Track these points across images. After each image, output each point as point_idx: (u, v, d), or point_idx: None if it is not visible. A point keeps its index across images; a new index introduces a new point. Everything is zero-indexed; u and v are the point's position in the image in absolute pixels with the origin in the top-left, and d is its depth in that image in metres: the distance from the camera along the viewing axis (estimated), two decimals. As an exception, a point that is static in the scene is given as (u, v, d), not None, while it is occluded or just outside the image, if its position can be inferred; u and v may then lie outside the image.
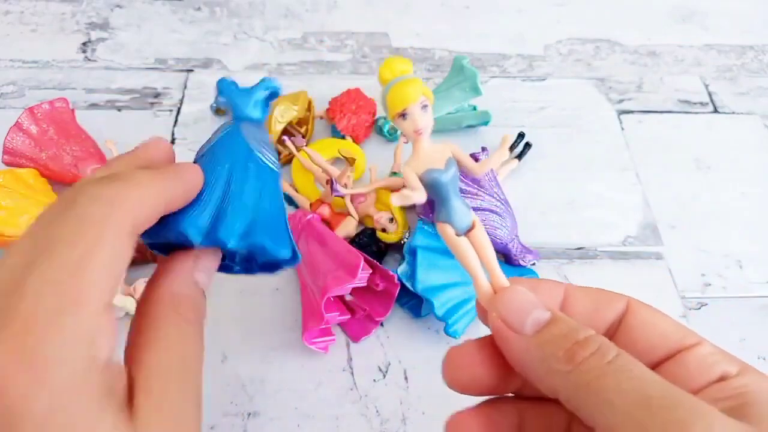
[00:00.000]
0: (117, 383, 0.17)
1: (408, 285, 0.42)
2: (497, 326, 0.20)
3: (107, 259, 0.17)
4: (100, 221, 0.17)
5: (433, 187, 0.22)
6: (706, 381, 0.19)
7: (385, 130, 0.57)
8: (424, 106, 0.22)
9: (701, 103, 0.64)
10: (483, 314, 0.22)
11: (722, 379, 0.19)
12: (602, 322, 0.21)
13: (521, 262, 0.48)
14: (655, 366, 0.20)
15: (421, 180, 0.22)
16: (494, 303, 0.20)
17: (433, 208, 0.47)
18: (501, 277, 0.21)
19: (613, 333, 0.21)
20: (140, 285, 0.44)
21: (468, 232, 0.22)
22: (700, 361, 0.20)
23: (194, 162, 0.24)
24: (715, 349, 0.20)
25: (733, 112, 0.63)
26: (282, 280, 0.48)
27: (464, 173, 0.47)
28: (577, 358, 0.18)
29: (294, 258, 0.25)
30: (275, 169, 0.25)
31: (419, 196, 0.21)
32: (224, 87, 0.27)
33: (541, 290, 0.21)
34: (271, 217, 0.24)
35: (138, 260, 0.48)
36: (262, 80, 0.27)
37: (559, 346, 0.18)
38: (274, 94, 0.27)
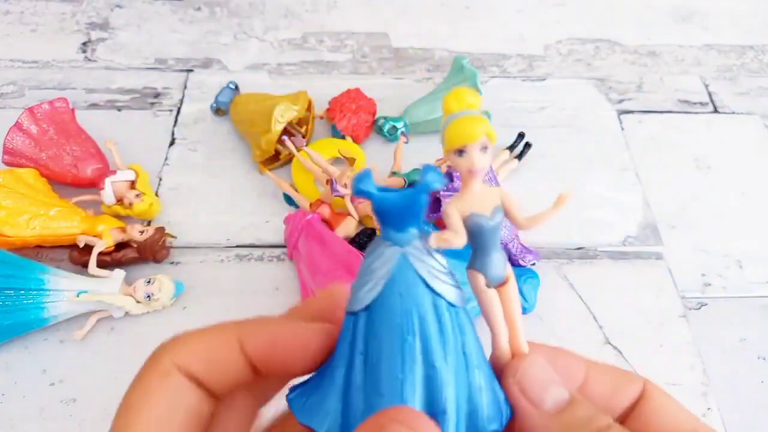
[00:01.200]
0: None
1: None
2: (514, 394, 0.19)
3: (151, 405, 0.17)
4: (145, 369, 0.18)
5: (474, 232, 0.20)
6: None
7: (385, 130, 0.57)
8: (484, 148, 0.20)
9: (701, 103, 0.64)
10: (496, 367, 0.21)
11: None
12: (619, 405, 0.21)
13: (521, 262, 0.48)
14: None
15: (464, 223, 0.20)
16: (512, 370, 0.19)
17: (434, 208, 0.47)
18: (522, 340, 0.20)
19: (626, 416, 0.21)
20: (140, 285, 0.44)
21: (500, 285, 0.21)
22: None
23: (347, 313, 0.19)
24: None
25: (733, 112, 0.63)
26: (282, 280, 0.48)
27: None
28: None
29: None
30: (458, 302, 0.19)
31: (459, 241, 0.19)
32: (380, 203, 0.19)
33: (561, 363, 0.21)
34: (485, 388, 0.18)
35: (138, 260, 0.48)
36: (425, 173, 0.18)
37: (582, 430, 0.18)
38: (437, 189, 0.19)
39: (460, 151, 0.20)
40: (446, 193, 0.46)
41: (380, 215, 0.19)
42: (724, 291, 0.49)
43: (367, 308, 0.18)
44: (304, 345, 0.19)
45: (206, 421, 0.18)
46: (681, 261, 0.51)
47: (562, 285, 0.49)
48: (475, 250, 0.20)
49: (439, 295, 0.18)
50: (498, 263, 0.20)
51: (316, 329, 0.19)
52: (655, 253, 0.51)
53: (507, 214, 0.21)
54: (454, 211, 0.20)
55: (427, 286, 0.18)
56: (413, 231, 0.19)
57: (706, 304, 0.48)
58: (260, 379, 0.19)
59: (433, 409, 0.17)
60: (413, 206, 0.19)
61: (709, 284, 0.50)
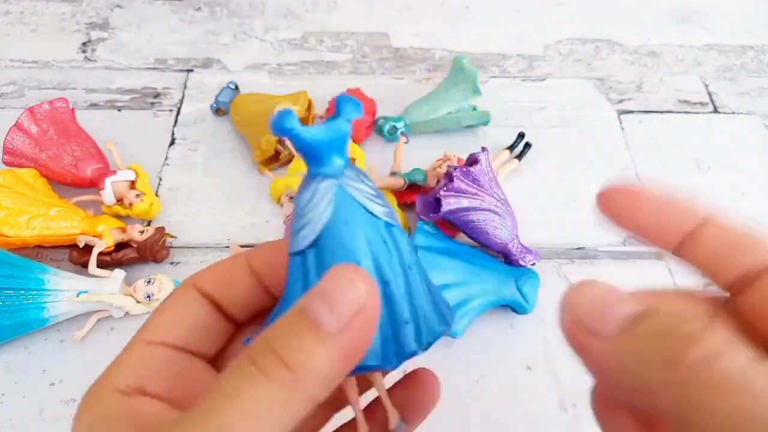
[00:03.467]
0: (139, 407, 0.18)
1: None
2: (572, 334, 0.15)
3: (165, 309, 0.20)
4: (173, 290, 0.21)
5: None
6: None
7: (385, 130, 0.57)
8: (291, 198, 0.23)
9: (701, 103, 0.64)
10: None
11: None
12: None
13: (521, 262, 0.48)
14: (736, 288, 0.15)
15: None
16: (566, 305, 0.16)
17: (434, 208, 0.47)
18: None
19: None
20: (140, 285, 0.44)
21: None
22: None
23: (291, 254, 0.19)
24: None
25: (733, 112, 0.63)
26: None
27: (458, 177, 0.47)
28: (683, 362, 0.12)
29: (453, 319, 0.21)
30: (392, 221, 0.19)
31: None
32: (307, 139, 0.18)
33: (674, 210, 0.17)
34: (429, 292, 0.20)
35: (138, 260, 0.48)
36: (339, 103, 0.19)
37: (658, 344, 0.13)
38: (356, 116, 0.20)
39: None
40: (447, 192, 0.46)
41: (308, 151, 0.19)
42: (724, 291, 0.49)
43: (314, 243, 0.18)
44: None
45: (216, 336, 0.20)
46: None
47: (562, 285, 0.49)
48: None
49: (377, 217, 0.19)
50: None
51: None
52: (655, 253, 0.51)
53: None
54: None
55: (367, 210, 0.19)
56: (341, 161, 0.19)
57: (706, 304, 0.48)
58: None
59: (397, 322, 0.18)
60: (338, 137, 0.19)
61: (710, 284, 0.50)
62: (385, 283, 0.18)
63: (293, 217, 0.19)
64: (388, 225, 0.19)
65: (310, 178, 0.19)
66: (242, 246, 0.50)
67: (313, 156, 0.19)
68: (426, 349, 0.19)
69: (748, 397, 0.11)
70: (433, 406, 0.22)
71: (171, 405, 0.18)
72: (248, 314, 0.21)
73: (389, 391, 0.21)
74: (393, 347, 0.18)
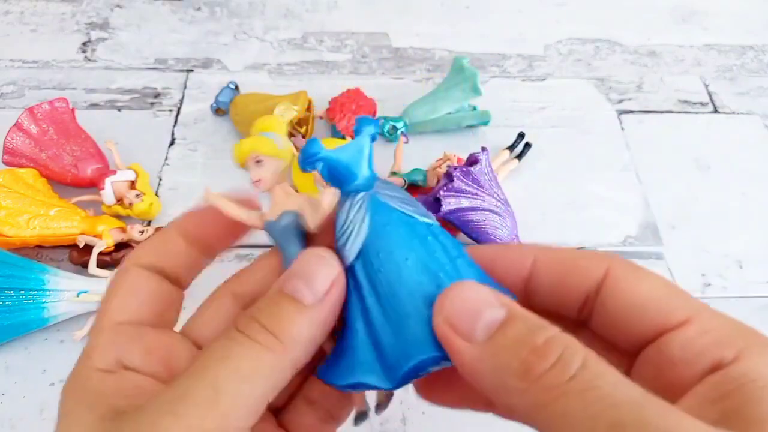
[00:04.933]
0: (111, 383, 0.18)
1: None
2: (444, 334, 0.16)
3: (115, 291, 0.20)
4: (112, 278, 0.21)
5: (268, 233, 0.23)
6: (695, 373, 0.16)
7: (385, 130, 0.57)
8: (258, 161, 0.25)
9: (701, 103, 0.64)
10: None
11: (715, 368, 0.15)
12: (576, 288, 0.18)
13: (521, 262, 0.48)
14: (638, 350, 0.17)
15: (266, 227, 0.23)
16: (438, 307, 0.17)
17: (434, 208, 0.47)
18: None
19: (591, 306, 0.18)
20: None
21: None
22: (686, 346, 0.16)
23: (348, 269, 0.20)
24: (708, 325, 0.17)
25: (733, 112, 0.63)
26: (282, 280, 0.48)
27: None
28: (533, 373, 0.14)
29: None
30: (428, 219, 0.20)
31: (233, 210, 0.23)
32: (333, 161, 0.20)
33: (507, 259, 0.19)
34: (471, 275, 0.20)
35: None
36: (358, 123, 0.21)
37: (515, 355, 0.15)
38: (374, 136, 0.21)
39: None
40: (447, 192, 0.46)
41: (337, 171, 0.21)
42: (724, 291, 0.49)
43: (359, 254, 0.19)
44: (220, 215, 0.22)
45: (174, 303, 0.21)
46: (681, 261, 0.51)
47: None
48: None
49: (411, 217, 0.20)
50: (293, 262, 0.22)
51: (227, 203, 0.22)
52: (655, 253, 0.51)
53: (304, 216, 0.23)
54: (257, 216, 0.23)
55: (403, 213, 0.20)
56: (368, 172, 0.21)
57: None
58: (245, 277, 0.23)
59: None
60: (360, 150, 0.20)
61: (709, 284, 0.50)
62: (433, 274, 0.19)
63: (336, 235, 0.20)
64: (426, 224, 0.20)
65: (344, 198, 0.21)
66: (240, 246, 0.50)
67: (342, 174, 0.20)
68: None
69: (580, 397, 0.14)
70: None
71: (152, 378, 0.19)
72: (192, 276, 0.22)
73: None
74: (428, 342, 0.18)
